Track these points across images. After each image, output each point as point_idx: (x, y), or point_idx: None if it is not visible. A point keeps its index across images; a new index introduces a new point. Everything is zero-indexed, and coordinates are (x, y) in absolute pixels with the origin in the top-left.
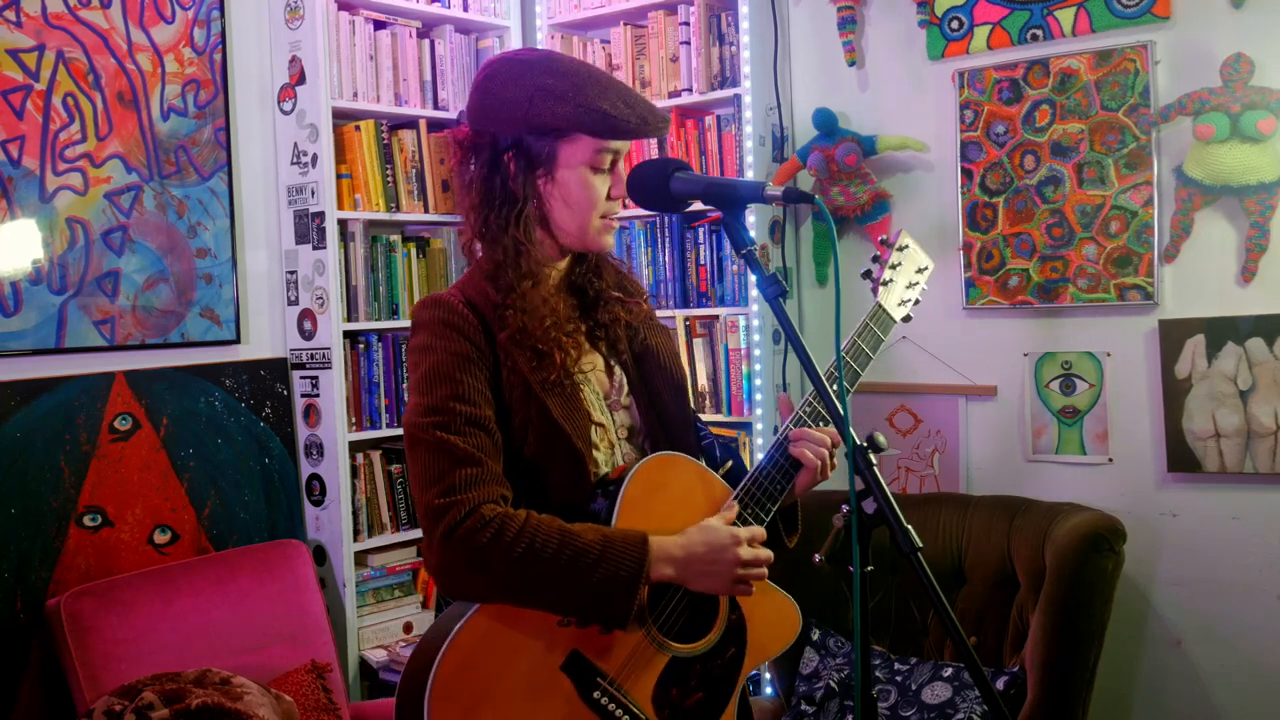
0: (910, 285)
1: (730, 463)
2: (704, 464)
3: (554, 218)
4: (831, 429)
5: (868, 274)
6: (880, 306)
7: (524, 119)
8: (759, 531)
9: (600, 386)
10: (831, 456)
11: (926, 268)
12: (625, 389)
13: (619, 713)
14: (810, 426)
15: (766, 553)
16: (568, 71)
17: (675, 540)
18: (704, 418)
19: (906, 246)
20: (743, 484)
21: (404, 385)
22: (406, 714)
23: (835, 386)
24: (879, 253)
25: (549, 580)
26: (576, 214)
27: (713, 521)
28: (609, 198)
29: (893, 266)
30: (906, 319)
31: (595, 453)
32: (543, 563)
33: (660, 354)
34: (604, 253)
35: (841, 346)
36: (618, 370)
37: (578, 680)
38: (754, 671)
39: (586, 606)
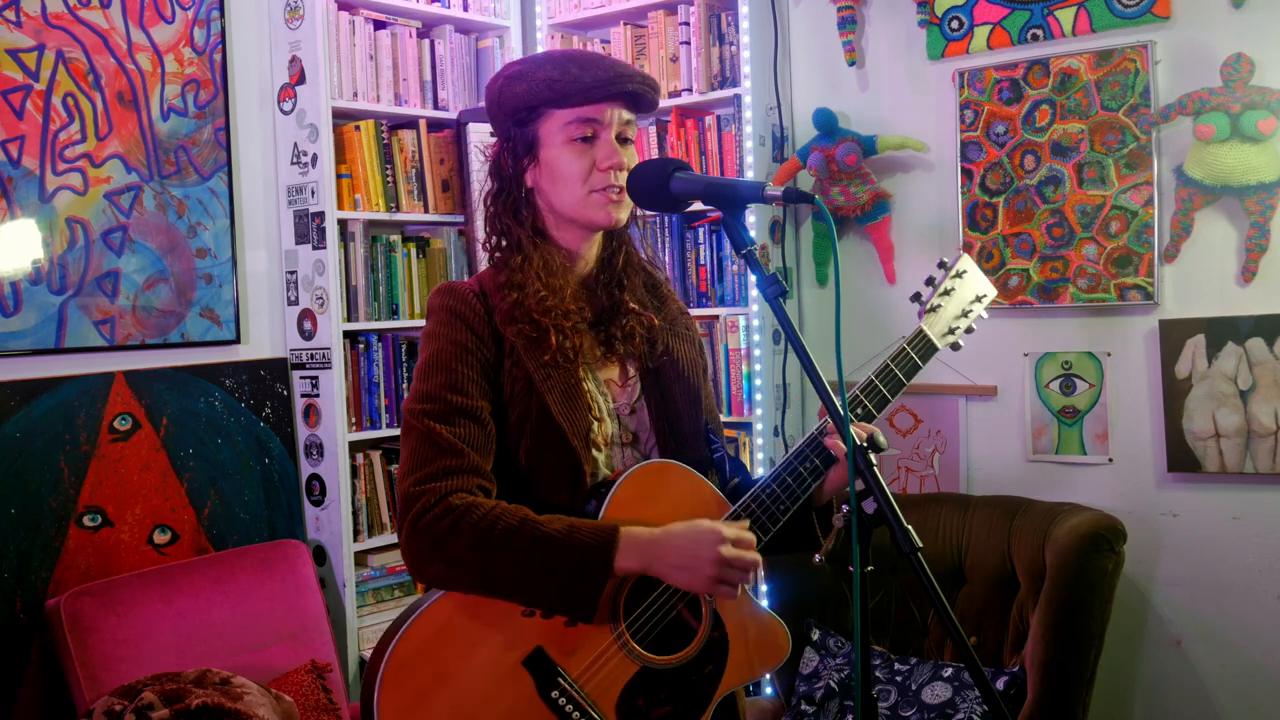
0: (964, 314)
1: (737, 479)
2: (710, 477)
3: (545, 199)
4: (868, 425)
5: (917, 296)
6: (922, 332)
7: (499, 108)
8: (747, 535)
9: (610, 391)
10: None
11: (985, 296)
12: (638, 394)
13: (576, 715)
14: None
15: (753, 555)
16: (536, 56)
17: (651, 530)
18: None
19: (965, 272)
20: (755, 487)
21: (404, 385)
22: (365, 696)
23: (837, 389)
24: (933, 274)
25: (509, 568)
26: (563, 190)
27: (702, 519)
28: (599, 169)
29: (945, 292)
30: (955, 347)
31: (595, 453)
32: (502, 550)
33: (680, 362)
34: (613, 228)
35: (874, 370)
36: (633, 377)
37: (538, 677)
38: None
39: (549, 597)
